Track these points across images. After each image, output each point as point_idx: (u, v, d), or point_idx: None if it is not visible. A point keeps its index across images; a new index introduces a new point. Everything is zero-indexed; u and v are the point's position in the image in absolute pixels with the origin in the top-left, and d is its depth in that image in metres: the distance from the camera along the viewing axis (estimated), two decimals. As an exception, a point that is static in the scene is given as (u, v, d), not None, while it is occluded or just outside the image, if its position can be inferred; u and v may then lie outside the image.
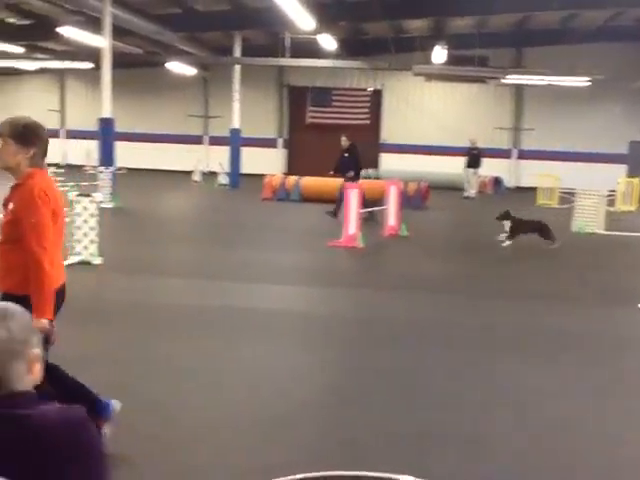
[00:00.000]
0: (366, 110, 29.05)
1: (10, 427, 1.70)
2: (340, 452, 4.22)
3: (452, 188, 24.55)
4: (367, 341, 6.69)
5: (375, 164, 28.53)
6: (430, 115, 29.13)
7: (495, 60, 23.81)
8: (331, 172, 16.73)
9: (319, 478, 1.43)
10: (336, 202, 15.31)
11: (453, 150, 27.38)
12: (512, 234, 12.75)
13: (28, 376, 1.81)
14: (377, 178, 24.14)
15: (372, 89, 29.03)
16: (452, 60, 22.86)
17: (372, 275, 10.29)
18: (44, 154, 3.67)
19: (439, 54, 21.79)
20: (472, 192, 23.31)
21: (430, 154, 28.42)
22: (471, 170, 23.49)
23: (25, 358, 1.79)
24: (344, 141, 16.10)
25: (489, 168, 24.93)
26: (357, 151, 16.11)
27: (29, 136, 3.59)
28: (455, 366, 5.94)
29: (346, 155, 16.05)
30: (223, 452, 4.13)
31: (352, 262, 11.19)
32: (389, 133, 29.55)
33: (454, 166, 25.41)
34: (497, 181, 26.26)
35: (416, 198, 19.06)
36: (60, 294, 3.76)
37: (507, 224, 12.84)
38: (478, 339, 6.84)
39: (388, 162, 28.64)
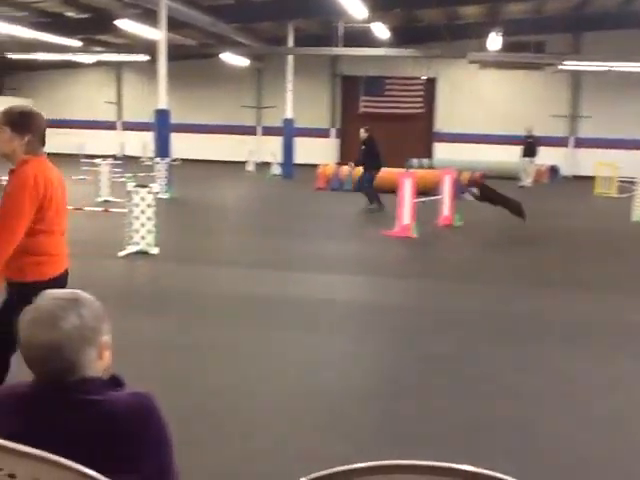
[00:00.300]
0: (420, 99, 28.79)
1: (81, 412, 1.76)
2: (395, 441, 4.22)
3: (507, 177, 24.19)
4: (421, 331, 6.66)
5: (429, 153, 28.32)
6: (485, 103, 28.72)
7: (551, 46, 23.37)
8: (352, 164, 16.59)
9: (375, 467, 1.44)
10: (369, 197, 15.39)
11: (508, 138, 26.95)
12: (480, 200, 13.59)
13: (98, 362, 1.86)
14: (431, 167, 23.95)
15: (426, 77, 28.75)
16: (507, 47, 22.53)
17: (426, 265, 10.23)
18: (41, 141, 3.74)
19: (494, 41, 21.45)
20: (528, 181, 22.94)
21: (485, 143, 28.05)
22: (527, 159, 23.12)
23: (96, 345, 1.85)
24: (362, 133, 15.90)
25: (545, 157, 24.49)
26: (374, 144, 15.82)
27: (25, 123, 3.67)
28: (510, 357, 5.88)
29: (363, 148, 15.85)
30: (281, 440, 4.17)
31: (406, 252, 11.15)
32: (443, 122, 29.25)
33: (509, 155, 25.04)
34: (553, 170, 25.77)
35: (471, 188, 18.81)
36: (61, 280, 3.81)
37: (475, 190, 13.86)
38: (532, 329, 6.75)
39: (442, 151, 28.36)
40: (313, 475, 1.41)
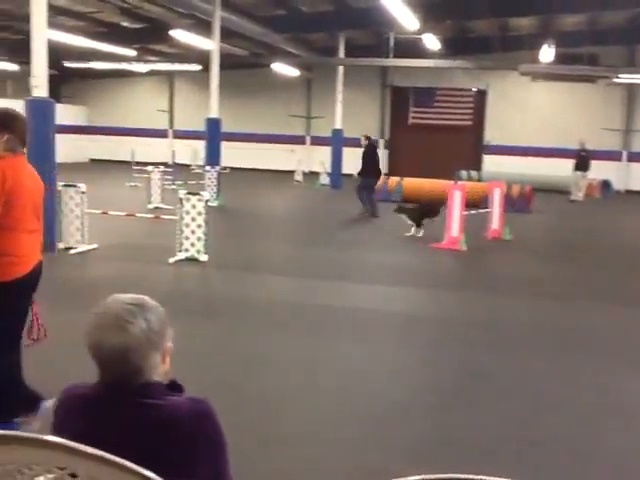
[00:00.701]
0: (470, 111, 28.60)
1: (144, 415, 1.80)
2: (440, 453, 4.20)
3: (558, 191, 23.85)
4: (467, 343, 6.60)
5: (477, 165, 28.08)
6: (536, 116, 28.38)
7: (605, 58, 22.96)
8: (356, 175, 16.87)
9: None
10: (366, 204, 15.99)
11: (559, 152, 26.57)
12: (417, 223, 13.20)
13: (161, 367, 1.90)
14: (479, 180, 23.75)
15: (476, 89, 28.57)
16: (560, 59, 22.21)
17: (474, 278, 10.15)
18: (21, 141, 3.86)
19: (547, 52, 21.19)
20: (579, 195, 22.56)
21: (535, 156, 27.69)
22: (579, 173, 22.73)
23: (160, 349, 1.88)
24: (363, 141, 16.33)
25: (597, 171, 24.06)
26: (374, 152, 16.31)
27: (6, 123, 3.82)
28: (558, 370, 5.79)
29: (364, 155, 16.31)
30: (325, 449, 4.18)
31: (454, 264, 11.07)
32: (492, 134, 28.99)
33: (560, 168, 24.67)
34: (605, 184, 25.31)
35: (520, 201, 18.63)
36: (35, 274, 3.88)
37: (404, 217, 13.36)
38: (585, 344, 6.64)
39: (491, 163, 28.09)
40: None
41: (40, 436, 1.56)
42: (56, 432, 1.90)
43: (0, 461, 1.60)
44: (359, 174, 16.20)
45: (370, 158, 16.11)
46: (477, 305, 8.23)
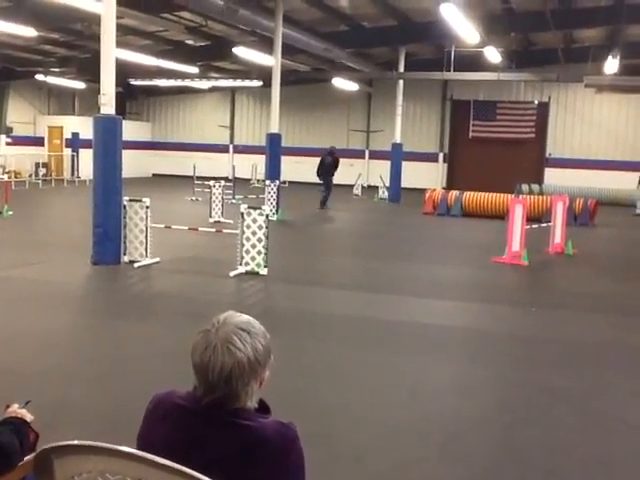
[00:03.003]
0: (532, 124, 28.18)
1: (234, 434, 1.82)
2: (515, 472, 4.12)
3: (622, 205, 23.29)
4: (533, 359, 6.48)
5: (539, 179, 27.64)
6: (600, 128, 27.82)
7: (674, 69, 22.40)
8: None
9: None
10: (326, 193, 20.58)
11: (624, 165, 26.01)
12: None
13: (257, 394, 1.92)
14: (540, 193, 23.37)
15: (538, 102, 28.16)
16: (626, 70, 21.75)
17: (537, 293, 9.97)
18: None
19: (612, 64, 20.76)
20: (645, 209, 21.98)
21: (599, 169, 27.10)
22: (645, 186, 22.16)
23: (259, 378, 1.90)
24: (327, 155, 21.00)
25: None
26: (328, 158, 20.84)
27: None
28: (633, 391, 5.63)
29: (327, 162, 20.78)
30: (393, 465, 4.14)
31: (516, 279, 10.90)
32: (555, 147, 28.51)
33: (625, 181, 24.11)
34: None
35: (583, 215, 18.26)
36: None
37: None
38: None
39: (553, 177, 27.61)
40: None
41: (114, 446, 1.61)
42: (144, 435, 1.94)
43: (75, 470, 1.65)
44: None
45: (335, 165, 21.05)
46: (537, 321, 8.08)
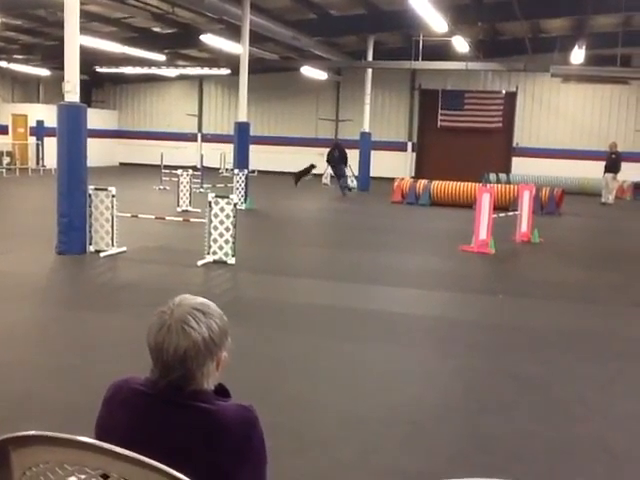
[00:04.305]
0: (499, 113, 28.38)
1: (193, 418, 1.81)
2: (480, 461, 4.15)
3: (588, 194, 23.61)
4: (499, 348, 6.54)
5: (506, 168, 27.87)
6: (566, 118, 28.12)
7: (638, 60, 22.67)
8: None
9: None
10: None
11: (590, 154, 26.30)
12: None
13: (214, 375, 1.91)
14: (508, 183, 23.58)
15: (505, 91, 28.37)
16: (592, 60, 21.98)
17: (504, 281, 10.06)
18: None
19: (578, 54, 20.97)
20: (610, 198, 22.29)
21: (565, 158, 27.41)
22: (610, 175, 22.46)
23: (215, 358, 1.88)
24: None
25: (629, 173, 23.76)
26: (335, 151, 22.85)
27: None
28: (596, 377, 5.71)
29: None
30: (358, 453, 4.16)
31: (484, 268, 10.99)
32: (522, 136, 28.77)
33: (591, 171, 24.41)
34: (637, 186, 24.96)
35: (550, 204, 18.46)
36: None
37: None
38: (621, 350, 6.55)
39: (520, 166, 27.86)
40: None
41: (73, 437, 1.58)
42: (102, 424, 1.92)
43: (33, 461, 1.62)
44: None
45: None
46: (508, 309, 8.15)
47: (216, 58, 25.69)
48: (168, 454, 1.61)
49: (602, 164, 22.71)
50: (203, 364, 1.83)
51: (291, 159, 30.42)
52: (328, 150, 23.37)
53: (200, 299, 1.93)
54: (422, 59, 22.40)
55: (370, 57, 23.84)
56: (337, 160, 22.63)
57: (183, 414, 1.81)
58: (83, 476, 1.58)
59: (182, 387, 1.83)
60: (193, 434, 1.79)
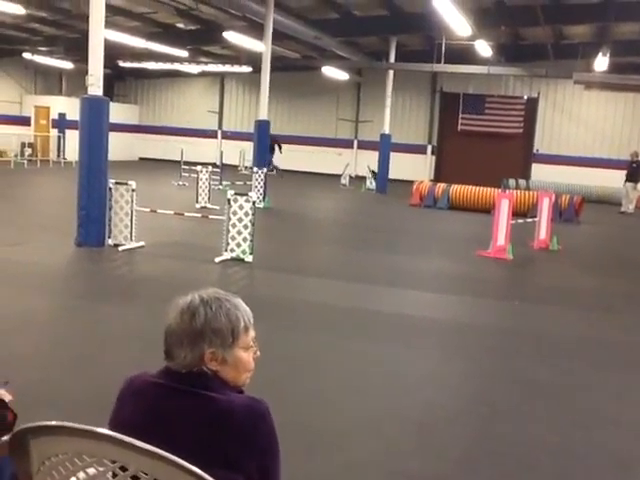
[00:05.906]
0: (520, 119, 28.24)
1: (200, 405, 1.83)
2: (490, 466, 4.13)
3: (608, 202, 23.44)
4: (513, 353, 6.51)
5: (526, 174, 27.73)
6: (587, 125, 27.94)
7: (663, 68, 22.49)
8: None
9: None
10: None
11: (611, 163, 26.15)
12: None
13: (226, 371, 1.94)
14: (527, 189, 23.45)
15: (527, 97, 28.22)
16: (615, 68, 21.82)
17: (521, 287, 10.01)
18: None
19: (601, 61, 20.82)
20: (630, 207, 22.11)
21: (586, 166, 27.24)
22: (630, 184, 22.27)
23: (213, 346, 1.91)
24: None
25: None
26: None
27: None
28: (611, 386, 5.67)
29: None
30: (367, 454, 4.15)
31: (500, 273, 10.94)
32: (542, 142, 28.61)
33: (612, 179, 24.25)
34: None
35: (569, 211, 18.35)
36: None
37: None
38: (637, 359, 6.50)
39: (540, 172, 27.72)
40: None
41: (92, 428, 1.58)
42: (115, 417, 1.95)
43: (52, 451, 1.63)
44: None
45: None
46: (521, 315, 8.11)
47: (238, 55, 25.76)
48: (171, 440, 1.64)
49: (623, 173, 22.54)
50: (194, 346, 1.88)
51: (310, 158, 30.48)
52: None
53: (229, 295, 2.01)
54: (444, 62, 22.34)
55: (392, 59, 23.80)
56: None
57: (190, 401, 1.84)
58: (102, 468, 1.59)
59: (183, 369, 1.88)
60: (199, 420, 1.81)
